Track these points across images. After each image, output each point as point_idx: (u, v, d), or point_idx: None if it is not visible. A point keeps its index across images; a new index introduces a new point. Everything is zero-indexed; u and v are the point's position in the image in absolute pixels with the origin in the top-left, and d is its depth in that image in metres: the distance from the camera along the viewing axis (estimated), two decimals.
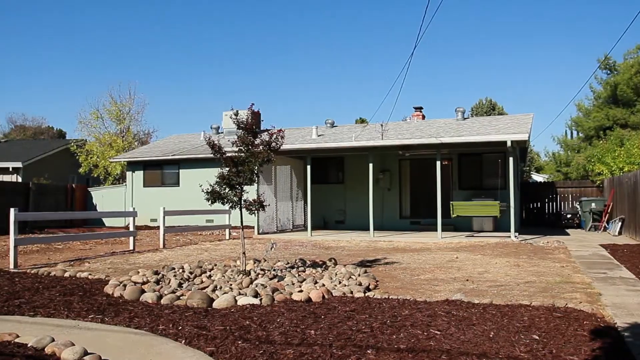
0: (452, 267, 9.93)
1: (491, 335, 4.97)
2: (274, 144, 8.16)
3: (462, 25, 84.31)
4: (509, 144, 15.22)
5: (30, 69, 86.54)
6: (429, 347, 4.66)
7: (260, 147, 8.10)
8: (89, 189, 25.76)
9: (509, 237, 15.55)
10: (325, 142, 19.93)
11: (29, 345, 4.61)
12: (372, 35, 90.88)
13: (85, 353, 4.34)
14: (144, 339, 5.02)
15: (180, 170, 23.44)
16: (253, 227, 18.22)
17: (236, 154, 8.20)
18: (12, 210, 9.94)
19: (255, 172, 8.11)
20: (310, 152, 17.89)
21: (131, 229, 13.40)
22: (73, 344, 4.51)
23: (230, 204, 8.26)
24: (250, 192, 8.54)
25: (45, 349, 4.51)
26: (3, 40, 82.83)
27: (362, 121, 42.98)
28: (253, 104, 8.24)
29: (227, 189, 8.21)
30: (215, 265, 9.51)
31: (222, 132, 26.51)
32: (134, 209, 13.64)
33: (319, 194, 20.02)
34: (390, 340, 4.87)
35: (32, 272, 9.14)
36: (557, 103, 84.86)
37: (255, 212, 8.33)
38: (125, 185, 25.00)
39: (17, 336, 4.89)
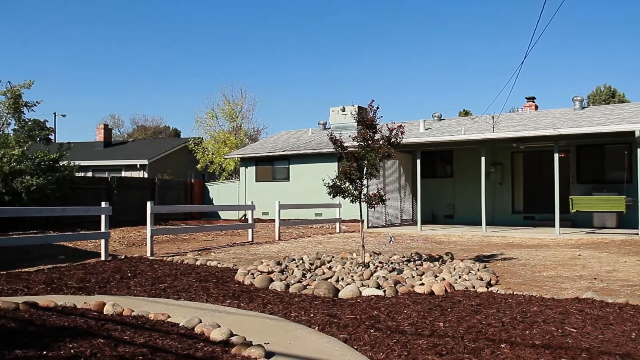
0: (575, 265, 9.53)
1: (633, 336, 4.77)
2: (393, 139, 8.24)
3: (574, 9, 79.44)
4: (637, 134, 14.25)
5: (149, 73, 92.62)
6: (565, 344, 4.57)
7: (380, 142, 8.22)
8: (206, 184, 27.22)
9: (637, 234, 14.57)
10: (434, 135, 19.74)
11: (180, 325, 5.06)
12: (476, 27, 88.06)
13: (231, 334, 4.69)
14: (279, 324, 5.33)
15: (290, 165, 24.14)
16: (362, 221, 18.40)
17: (356, 149, 8.37)
18: (148, 204, 10.81)
19: (376, 167, 8.24)
20: (419, 146, 17.77)
21: (249, 221, 14.05)
22: (219, 326, 4.89)
23: (351, 197, 8.47)
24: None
25: (195, 329, 4.93)
26: (126, 50, 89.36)
27: (467, 113, 41.98)
28: (373, 100, 8.38)
29: (347, 183, 8.42)
30: (333, 257, 9.79)
31: (329, 128, 26.99)
32: (252, 202, 14.28)
33: (427, 188, 19.81)
34: (523, 335, 4.83)
35: (167, 259, 9.92)
36: None
37: (375, 205, 8.49)
38: (239, 180, 26.17)
39: (169, 316, 5.38)
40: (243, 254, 11.10)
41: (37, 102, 18.66)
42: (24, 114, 18.42)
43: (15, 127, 18.33)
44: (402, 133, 8.28)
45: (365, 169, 8.33)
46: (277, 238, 14.56)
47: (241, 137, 35.03)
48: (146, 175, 27.86)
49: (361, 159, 8.27)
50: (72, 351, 4.13)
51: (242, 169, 25.71)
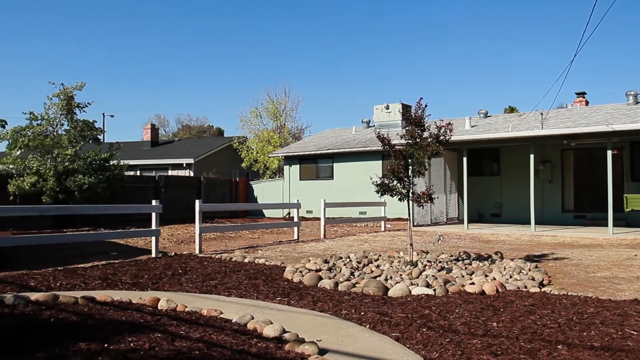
0: (632, 265, 9.21)
1: None
2: (442, 137, 8.15)
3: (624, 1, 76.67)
4: None
5: (195, 74, 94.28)
6: (626, 346, 4.43)
7: (429, 140, 8.13)
8: (250, 183, 27.53)
9: None
10: (481, 133, 19.44)
11: (233, 321, 5.14)
12: (522, 26, 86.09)
13: (284, 331, 4.72)
14: (330, 322, 5.35)
15: (334, 163, 24.17)
16: (407, 220, 18.28)
17: (404, 147, 8.31)
18: (197, 202, 11.00)
19: (424, 165, 8.16)
20: (466, 143, 17.50)
21: (295, 219, 14.12)
22: (271, 322, 4.94)
23: (399, 196, 8.41)
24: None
25: (247, 325, 4.99)
26: (176, 51, 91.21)
27: (512, 110, 41.21)
28: (422, 98, 8.28)
29: (395, 182, 8.37)
30: (380, 255, 9.75)
31: (373, 126, 26.90)
32: (297, 201, 14.35)
33: (474, 187, 19.51)
34: (581, 337, 4.70)
35: (216, 257, 10.07)
36: None
37: (424, 204, 8.41)
38: (283, 178, 26.37)
39: (221, 313, 5.46)
40: (290, 252, 11.18)
41: (88, 103, 19.19)
42: (76, 114, 18.99)
43: (67, 128, 18.92)
44: (450, 131, 8.18)
45: (413, 167, 8.26)
46: (322, 236, 14.60)
47: (285, 135, 35.30)
48: (192, 174, 28.39)
49: (409, 157, 8.20)
50: (131, 345, 4.25)
51: (286, 168, 25.89)
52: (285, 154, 26.02)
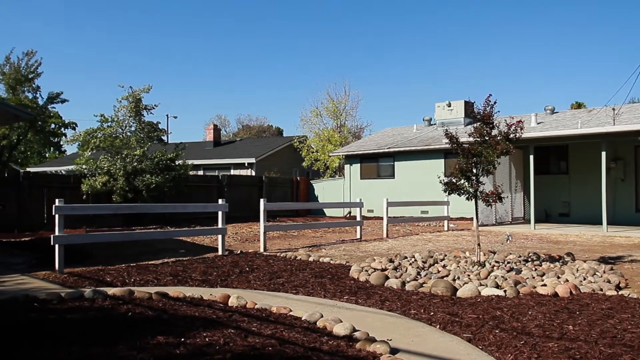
0: None
1: None
2: (512, 135, 7.93)
3: None
4: None
5: (256, 75, 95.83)
6: None
7: (498, 138, 7.93)
8: (311, 182, 27.70)
9: None
10: (548, 130, 18.82)
11: (302, 319, 5.19)
12: (587, 18, 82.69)
13: (354, 329, 4.73)
14: (399, 321, 5.31)
15: (395, 162, 23.99)
16: (470, 219, 17.94)
17: (472, 145, 8.14)
18: (262, 201, 11.15)
19: (493, 163, 7.96)
20: (533, 141, 16.96)
21: (358, 219, 14.10)
22: (341, 321, 4.96)
23: (467, 195, 8.25)
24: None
25: (317, 323, 5.03)
26: (235, 51, 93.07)
27: (579, 105, 39.74)
28: (490, 95, 8.06)
29: (462, 180, 8.21)
30: (446, 255, 9.60)
31: (434, 124, 26.55)
32: (360, 200, 14.31)
33: (540, 185, 18.90)
34: None
35: (281, 255, 10.20)
36: None
37: (493, 204, 8.22)
38: (343, 177, 26.39)
39: (290, 310, 5.53)
40: (353, 251, 11.17)
41: (155, 105, 19.81)
42: (144, 116, 19.66)
43: (135, 130, 19.60)
44: (521, 129, 7.95)
45: (481, 165, 8.07)
46: (385, 235, 14.52)
47: (345, 134, 35.33)
48: (253, 173, 28.84)
49: (477, 155, 8.02)
50: (206, 340, 4.37)
51: (346, 167, 25.90)
52: (346, 153, 26.03)
